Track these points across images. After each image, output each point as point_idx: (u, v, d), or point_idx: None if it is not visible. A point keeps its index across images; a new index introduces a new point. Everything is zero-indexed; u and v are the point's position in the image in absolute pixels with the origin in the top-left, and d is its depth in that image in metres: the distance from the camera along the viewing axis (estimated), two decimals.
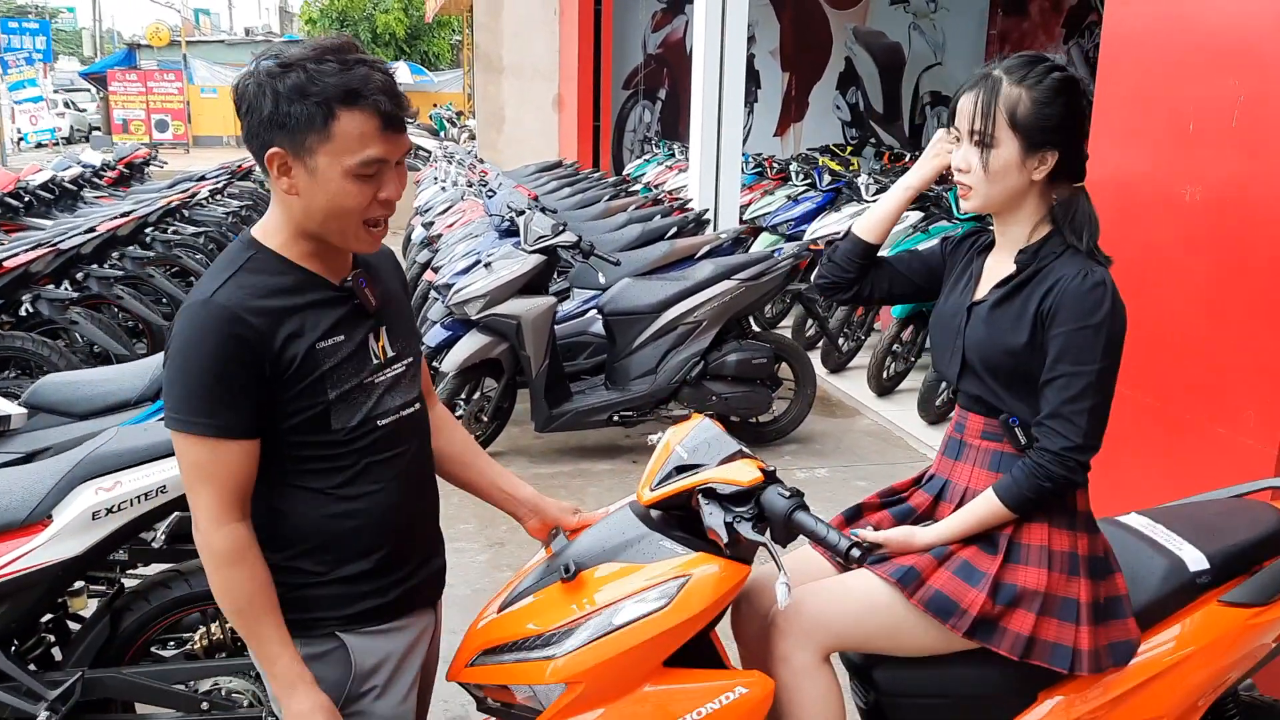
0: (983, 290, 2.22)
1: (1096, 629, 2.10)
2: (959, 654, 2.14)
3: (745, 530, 1.95)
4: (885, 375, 7.19)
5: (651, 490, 2.11)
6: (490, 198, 7.46)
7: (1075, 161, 2.12)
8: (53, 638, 2.94)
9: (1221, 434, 3.37)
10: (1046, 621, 2.09)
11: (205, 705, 2.78)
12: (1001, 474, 2.13)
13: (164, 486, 2.64)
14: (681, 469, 2.09)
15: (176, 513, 2.86)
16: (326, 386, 1.84)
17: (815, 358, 7.81)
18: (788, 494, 1.96)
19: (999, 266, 2.22)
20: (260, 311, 1.78)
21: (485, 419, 5.82)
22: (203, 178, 11.80)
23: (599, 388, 5.98)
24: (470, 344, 5.61)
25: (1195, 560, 2.26)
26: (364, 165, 1.74)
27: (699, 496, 2.02)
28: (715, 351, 5.84)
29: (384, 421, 1.93)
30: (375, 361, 1.92)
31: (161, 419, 2.31)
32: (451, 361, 5.57)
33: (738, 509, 1.98)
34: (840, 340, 7.82)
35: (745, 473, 2.01)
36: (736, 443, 2.11)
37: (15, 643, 2.80)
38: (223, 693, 2.83)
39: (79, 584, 2.97)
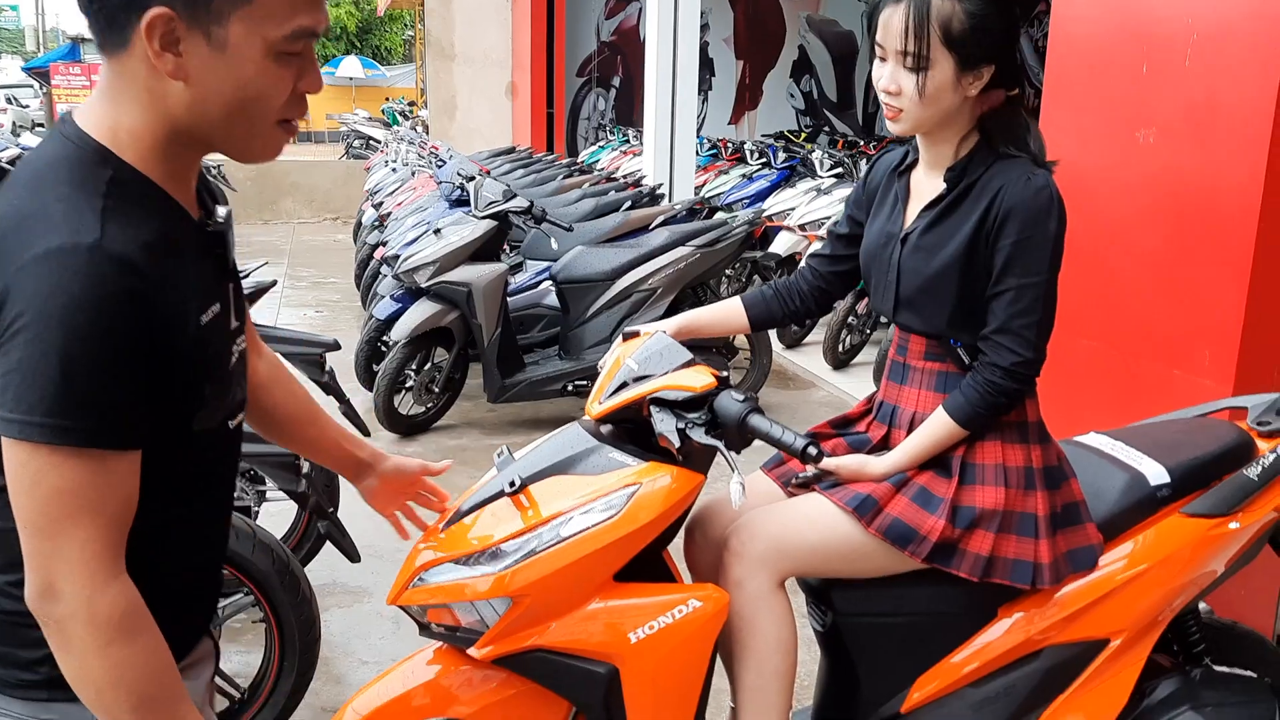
0: (911, 215, 2.11)
1: (1055, 539, 2.06)
2: (917, 573, 2.09)
3: (698, 435, 1.88)
4: (841, 348, 7.16)
5: (601, 404, 2.04)
6: (440, 167, 7.35)
7: (1009, 71, 2.00)
8: None
9: (1178, 376, 3.35)
10: (1005, 539, 2.04)
11: None
12: (948, 394, 2.08)
13: None
14: (634, 379, 2.02)
15: None
16: (205, 375, 1.34)
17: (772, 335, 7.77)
18: (741, 398, 1.89)
19: (925, 186, 2.11)
20: (149, 266, 1.22)
21: (436, 390, 5.71)
22: None
23: (553, 358, 5.90)
24: (420, 312, 5.50)
25: (1156, 474, 2.22)
26: (292, 40, 1.27)
27: (650, 405, 1.95)
28: None
29: (234, 422, 1.47)
30: (229, 337, 1.43)
31: None
32: (401, 329, 5.45)
33: (690, 415, 1.91)
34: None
35: (697, 379, 1.94)
36: (688, 352, 2.04)
37: None
38: None
39: None
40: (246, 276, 3.17)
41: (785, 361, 7.55)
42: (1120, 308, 3.54)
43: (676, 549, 2.12)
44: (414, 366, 5.65)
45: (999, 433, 2.07)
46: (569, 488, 1.95)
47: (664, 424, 1.90)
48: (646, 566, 2.00)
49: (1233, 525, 2.15)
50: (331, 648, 3.53)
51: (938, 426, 2.06)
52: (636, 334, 2.20)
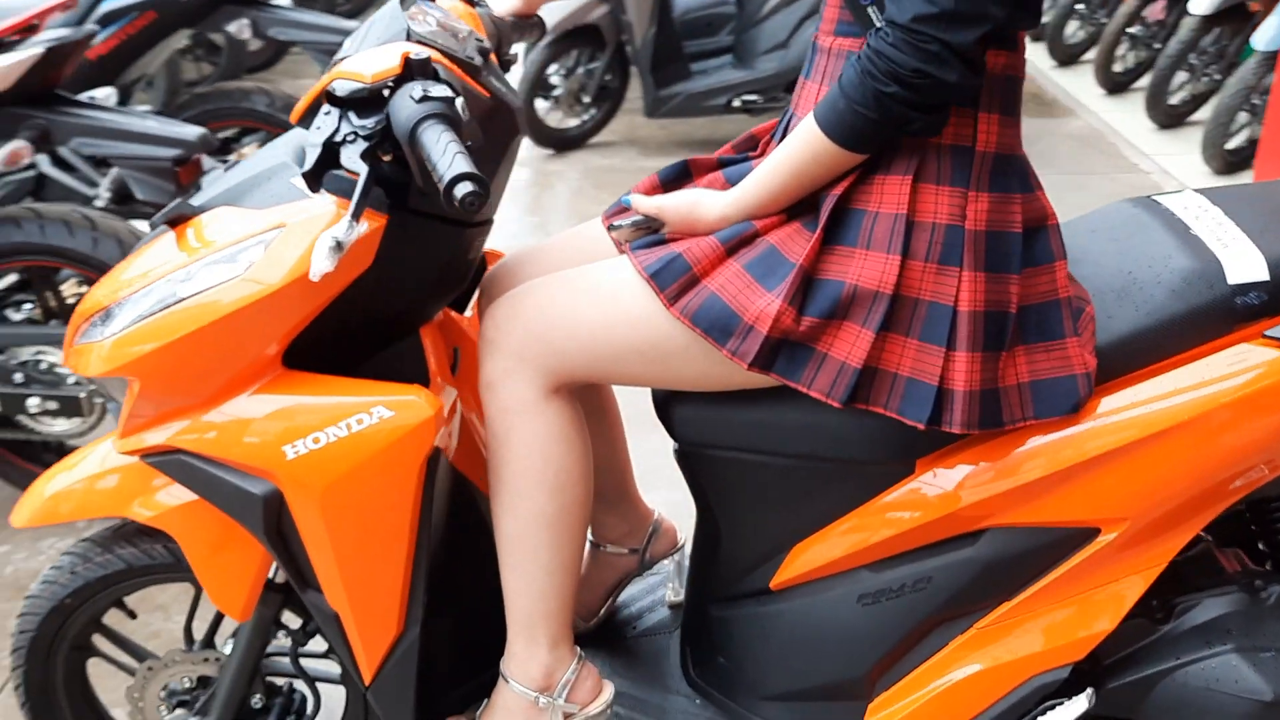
0: None
1: (988, 357, 1.21)
2: (780, 389, 1.31)
3: (348, 154, 1.18)
4: (1117, 67, 5.75)
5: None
6: None
7: None
8: None
9: None
10: (894, 342, 1.22)
11: (19, 377, 2.36)
12: None
13: None
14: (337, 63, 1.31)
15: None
16: None
17: (1038, 50, 6.42)
18: (435, 94, 1.14)
19: None
20: None
21: (587, 100, 5.03)
22: None
23: (724, 67, 5.02)
24: (563, 4, 4.76)
25: (1245, 266, 1.28)
26: None
27: (326, 102, 1.25)
28: None
29: None
30: None
31: None
32: None
33: (358, 122, 1.20)
34: (1069, 22, 6.32)
35: (378, 61, 1.21)
36: (405, 19, 1.29)
37: None
38: (43, 366, 2.39)
39: None
40: None
41: (1045, 82, 6.21)
42: None
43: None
44: (562, 72, 4.98)
45: (913, 163, 1.21)
46: (227, 225, 1.32)
47: (318, 133, 1.21)
48: (375, 357, 1.38)
49: None
50: None
51: (800, 142, 1.22)
52: None
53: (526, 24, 1.58)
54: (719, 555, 1.52)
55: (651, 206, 1.31)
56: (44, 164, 2.67)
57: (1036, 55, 6.45)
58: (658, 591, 1.79)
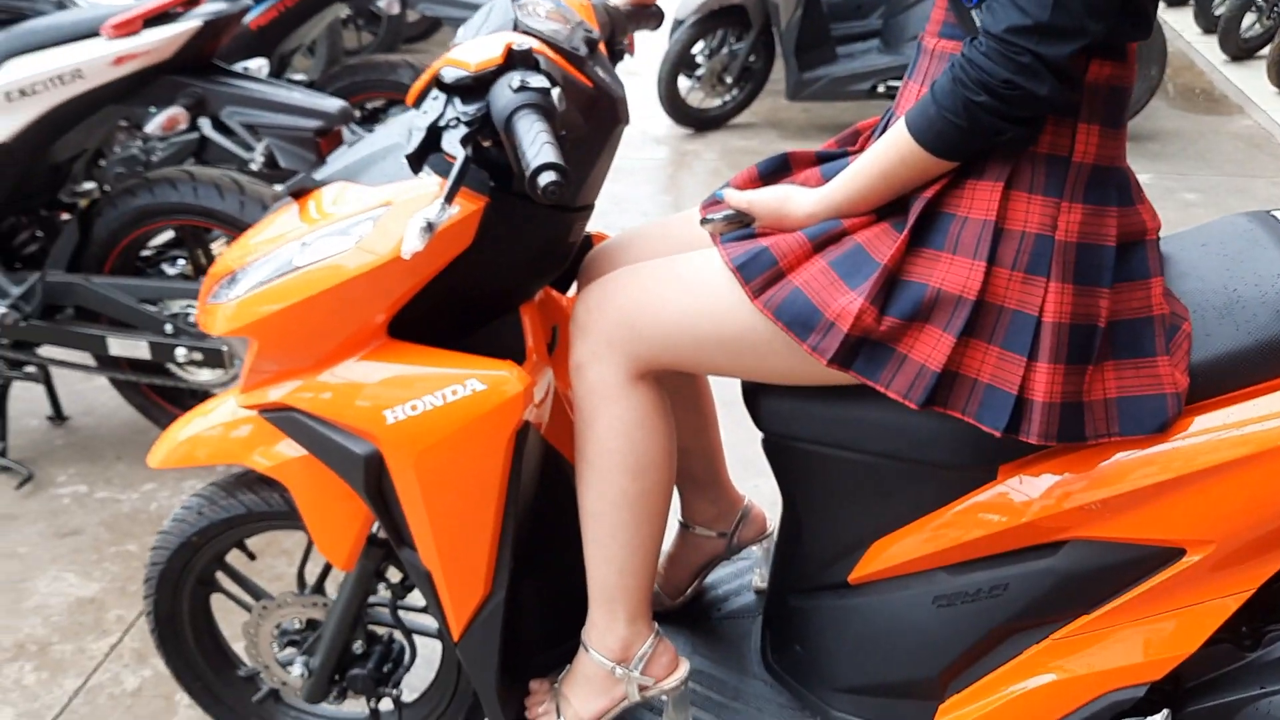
0: None
1: (1071, 369, 1.20)
2: (861, 387, 1.32)
3: (448, 139, 1.24)
4: None
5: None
6: None
7: None
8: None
9: None
10: (975, 348, 1.21)
11: (170, 328, 2.52)
12: None
13: (79, 71, 2.28)
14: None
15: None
16: None
17: (1209, 43, 6.11)
18: (533, 84, 1.19)
19: None
20: None
21: (730, 80, 5.03)
22: None
23: (871, 51, 4.95)
24: None
25: None
26: None
27: (433, 87, 1.32)
28: None
29: None
30: None
31: None
32: (686, 4, 4.77)
33: (463, 108, 1.26)
34: (1249, 15, 5.99)
35: (483, 50, 1.26)
36: (514, 11, 1.34)
37: None
38: (191, 319, 2.56)
39: None
40: None
41: (1218, 76, 5.91)
42: None
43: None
44: (705, 50, 4.99)
45: (1006, 170, 1.20)
46: (344, 198, 1.40)
47: (424, 117, 1.28)
48: (478, 333, 1.45)
49: None
50: None
51: (890, 146, 1.23)
52: None
53: (644, 13, 1.61)
54: (801, 546, 1.54)
55: (742, 201, 1.33)
56: (206, 128, 2.85)
57: (1208, 48, 6.15)
58: (745, 576, 1.82)
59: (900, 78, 4.66)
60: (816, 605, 1.53)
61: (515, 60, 1.24)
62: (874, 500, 1.42)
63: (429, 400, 1.36)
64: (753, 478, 1.88)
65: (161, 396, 2.74)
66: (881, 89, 4.81)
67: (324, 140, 2.43)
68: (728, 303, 1.31)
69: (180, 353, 2.52)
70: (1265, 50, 5.93)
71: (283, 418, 1.45)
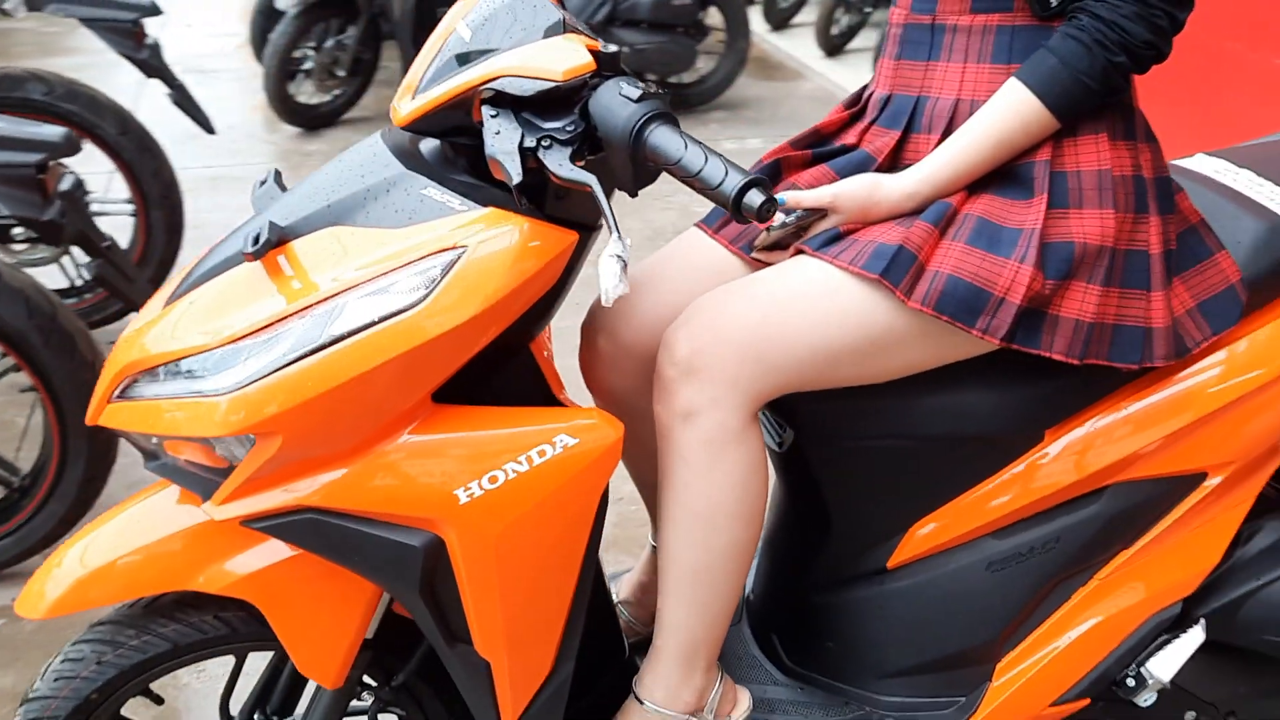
0: None
1: (1173, 289, 1.31)
2: (926, 375, 1.33)
3: (553, 160, 1.06)
4: (835, 30, 6.12)
5: (414, 99, 1.19)
6: None
7: None
8: None
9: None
10: (1109, 295, 1.27)
11: None
12: (1018, 64, 1.26)
13: None
14: (466, 59, 1.17)
15: None
16: None
17: (755, 14, 6.70)
18: (637, 93, 1.05)
19: None
20: None
21: (342, 74, 4.74)
22: None
23: None
24: None
25: None
26: None
27: (483, 105, 1.11)
28: None
29: None
30: None
31: None
32: None
33: (547, 125, 1.08)
34: None
35: (563, 56, 1.09)
36: (558, 9, 1.18)
37: None
38: None
39: None
40: None
41: (769, 46, 6.52)
42: None
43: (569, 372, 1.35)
44: (313, 45, 4.65)
45: (1100, 123, 1.27)
46: (351, 248, 1.14)
47: (500, 140, 1.08)
48: (492, 381, 1.24)
49: None
50: None
51: (1009, 113, 1.24)
52: None
53: None
54: (826, 544, 1.51)
55: (827, 196, 1.27)
56: None
57: (754, 20, 6.74)
58: None
59: None
60: (849, 598, 1.52)
61: (603, 65, 1.09)
62: (919, 483, 1.44)
63: (512, 468, 1.17)
64: None
65: None
66: None
67: (47, 176, 1.96)
68: (860, 308, 1.25)
69: None
70: (797, 19, 6.63)
71: (293, 524, 1.18)
